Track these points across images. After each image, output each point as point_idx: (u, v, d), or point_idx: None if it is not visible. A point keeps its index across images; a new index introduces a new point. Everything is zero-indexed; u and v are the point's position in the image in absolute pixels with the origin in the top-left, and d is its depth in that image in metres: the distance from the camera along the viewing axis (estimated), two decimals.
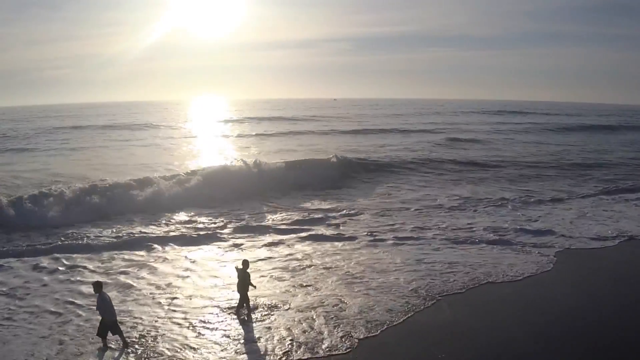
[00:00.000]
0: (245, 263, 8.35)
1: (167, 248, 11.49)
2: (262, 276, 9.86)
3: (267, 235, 12.58)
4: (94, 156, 23.96)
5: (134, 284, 9.41)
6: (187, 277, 9.87)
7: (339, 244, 12.03)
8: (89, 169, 20.28)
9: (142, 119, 54.30)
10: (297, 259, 10.92)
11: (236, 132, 37.21)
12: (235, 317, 8.18)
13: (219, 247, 11.71)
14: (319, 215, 14.29)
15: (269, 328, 7.81)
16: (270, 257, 11.09)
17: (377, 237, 12.56)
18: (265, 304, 8.69)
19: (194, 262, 10.67)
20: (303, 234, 12.79)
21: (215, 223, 13.41)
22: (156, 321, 7.86)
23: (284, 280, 9.78)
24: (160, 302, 8.59)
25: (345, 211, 14.89)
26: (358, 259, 10.94)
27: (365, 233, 12.84)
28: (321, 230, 13.09)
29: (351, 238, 12.51)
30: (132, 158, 23.60)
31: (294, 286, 9.44)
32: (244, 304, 8.37)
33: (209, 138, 33.20)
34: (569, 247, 11.63)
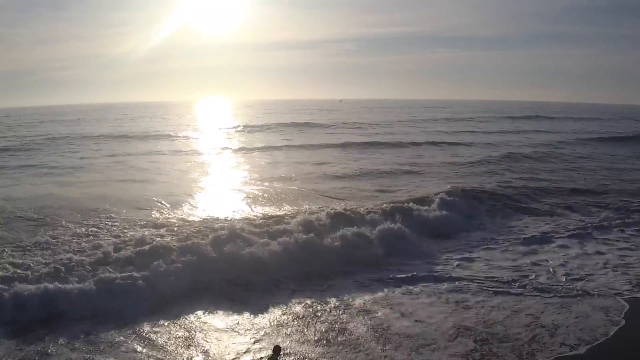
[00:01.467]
0: (277, 349, 6.96)
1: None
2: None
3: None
4: (103, 182, 19.33)
5: None
6: None
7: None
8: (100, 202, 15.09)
9: (153, 126, 49.82)
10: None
11: (257, 143, 32.67)
12: None
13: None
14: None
15: None
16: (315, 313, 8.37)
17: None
18: None
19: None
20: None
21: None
22: None
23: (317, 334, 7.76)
24: None
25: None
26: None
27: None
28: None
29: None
30: (151, 188, 18.02)
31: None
32: None
33: (233, 155, 27.59)
34: None
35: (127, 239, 11.37)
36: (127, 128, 47.50)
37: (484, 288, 9.33)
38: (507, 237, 12.84)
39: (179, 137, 37.89)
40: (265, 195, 16.23)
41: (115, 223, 12.78)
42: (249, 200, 15.53)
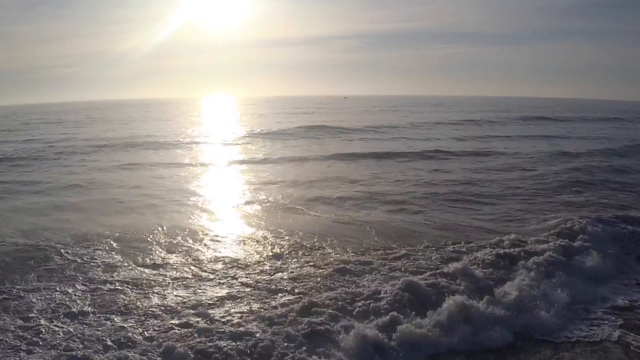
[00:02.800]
0: None
1: None
2: None
3: None
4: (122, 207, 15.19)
5: None
6: None
7: None
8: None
9: (161, 130, 45.83)
10: None
11: (288, 152, 28.20)
12: None
13: None
14: None
15: None
16: None
17: None
18: None
19: None
20: None
21: None
22: None
23: None
24: None
25: None
26: None
27: None
28: None
29: None
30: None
31: None
32: None
33: (267, 169, 22.49)
34: None
35: None
36: (133, 131, 43.54)
37: None
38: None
39: (194, 144, 33.55)
40: (356, 225, 12.66)
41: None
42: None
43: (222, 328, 6.93)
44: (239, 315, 7.44)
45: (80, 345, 6.54)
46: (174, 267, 9.64)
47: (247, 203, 15.65)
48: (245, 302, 7.94)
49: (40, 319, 7.31)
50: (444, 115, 69.41)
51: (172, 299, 8.13)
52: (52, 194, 17.29)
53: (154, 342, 6.57)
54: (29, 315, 7.45)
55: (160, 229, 12.26)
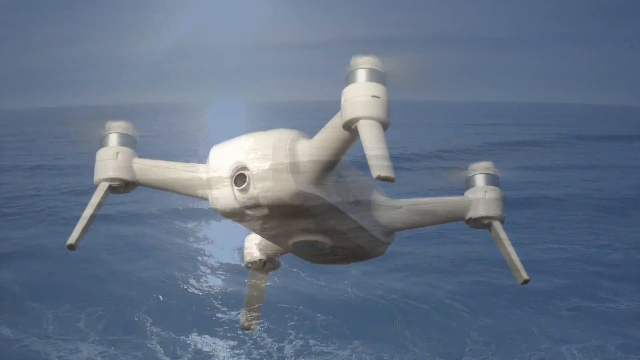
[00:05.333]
0: None
1: None
2: None
3: None
4: None
5: None
6: None
7: None
8: None
9: (170, 154, 37.63)
10: None
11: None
12: None
13: None
14: None
15: None
16: None
17: None
18: None
19: None
20: None
21: None
22: None
23: None
24: None
25: None
26: None
27: None
28: None
29: None
30: None
31: None
32: None
33: None
34: None
35: None
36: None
37: None
38: None
39: None
40: None
41: None
42: None
43: None
44: None
45: None
46: None
47: None
48: None
49: None
50: (492, 130, 60.55)
51: None
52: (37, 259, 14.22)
53: None
54: None
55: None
